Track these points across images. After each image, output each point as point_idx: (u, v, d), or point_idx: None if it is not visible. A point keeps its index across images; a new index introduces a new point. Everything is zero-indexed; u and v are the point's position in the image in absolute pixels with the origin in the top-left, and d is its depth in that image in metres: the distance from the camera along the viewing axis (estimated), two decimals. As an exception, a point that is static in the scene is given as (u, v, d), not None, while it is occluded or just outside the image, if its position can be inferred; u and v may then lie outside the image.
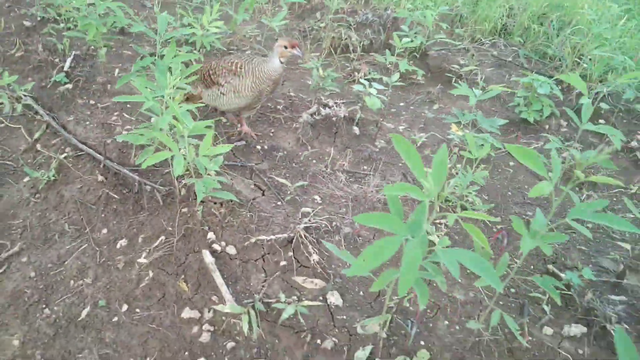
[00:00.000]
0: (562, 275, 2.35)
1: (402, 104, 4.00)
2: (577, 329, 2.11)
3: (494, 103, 4.07)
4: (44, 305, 2.22)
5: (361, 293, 2.25)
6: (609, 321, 2.10)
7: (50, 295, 2.26)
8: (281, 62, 2.77)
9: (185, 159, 2.06)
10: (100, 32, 3.06)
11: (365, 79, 3.60)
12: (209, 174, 2.20)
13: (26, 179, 2.83)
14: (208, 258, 2.22)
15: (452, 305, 2.23)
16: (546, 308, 2.22)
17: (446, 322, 2.16)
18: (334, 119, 3.25)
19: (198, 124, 2.05)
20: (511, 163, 3.36)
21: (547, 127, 3.86)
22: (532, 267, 2.51)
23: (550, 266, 2.46)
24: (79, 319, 2.15)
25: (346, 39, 4.29)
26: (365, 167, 3.10)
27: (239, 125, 3.15)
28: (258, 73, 2.77)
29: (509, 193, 3.05)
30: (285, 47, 2.71)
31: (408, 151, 1.35)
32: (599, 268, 2.47)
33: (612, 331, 2.07)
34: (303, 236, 2.32)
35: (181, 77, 2.15)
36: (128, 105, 3.24)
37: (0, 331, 2.13)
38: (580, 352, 2.06)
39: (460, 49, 4.73)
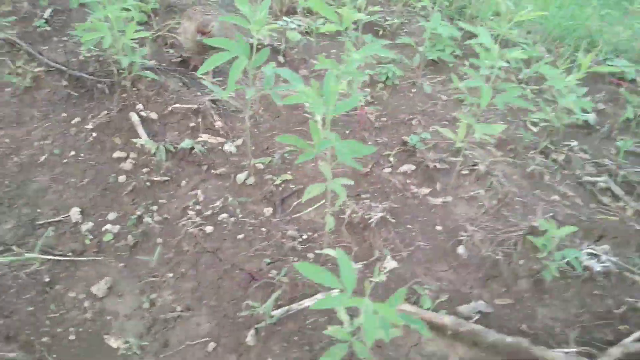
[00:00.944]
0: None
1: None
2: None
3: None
4: (13, 156, 3.02)
5: (253, 147, 3.01)
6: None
7: (18, 150, 3.06)
8: None
9: (115, 41, 2.87)
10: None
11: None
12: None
13: (7, 90, 3.66)
14: (135, 118, 3.01)
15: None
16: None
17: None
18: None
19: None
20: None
21: (451, 65, 4.62)
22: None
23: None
24: (38, 162, 2.94)
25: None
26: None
27: None
28: None
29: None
30: None
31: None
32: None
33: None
34: (210, 107, 3.11)
35: None
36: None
37: (-20, 171, 2.92)
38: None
39: (392, 11, 5.55)
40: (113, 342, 2.07)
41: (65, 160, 2.94)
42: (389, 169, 2.92)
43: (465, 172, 2.90)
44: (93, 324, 2.15)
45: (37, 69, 3.74)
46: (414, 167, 2.90)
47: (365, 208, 2.54)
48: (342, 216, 2.49)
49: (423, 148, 2.97)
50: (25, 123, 3.33)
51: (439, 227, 2.55)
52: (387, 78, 3.94)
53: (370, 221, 2.45)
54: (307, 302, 2.04)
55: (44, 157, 2.99)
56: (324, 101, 1.88)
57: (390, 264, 2.22)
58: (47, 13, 4.46)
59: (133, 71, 3.08)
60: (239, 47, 2.27)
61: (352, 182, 2.11)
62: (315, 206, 2.64)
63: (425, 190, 2.77)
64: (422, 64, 4.12)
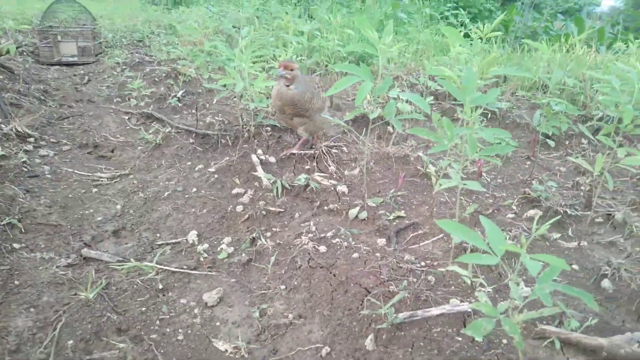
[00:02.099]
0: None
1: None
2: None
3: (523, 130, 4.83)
4: (140, 193, 3.28)
5: (362, 190, 3.03)
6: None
7: (144, 189, 3.32)
8: (286, 86, 2.98)
9: (244, 88, 3.19)
10: (204, 62, 4.53)
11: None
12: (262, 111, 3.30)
13: (139, 147, 4.10)
14: (255, 159, 3.20)
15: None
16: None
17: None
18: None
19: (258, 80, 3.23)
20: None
21: (567, 142, 4.50)
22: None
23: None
24: (162, 197, 3.16)
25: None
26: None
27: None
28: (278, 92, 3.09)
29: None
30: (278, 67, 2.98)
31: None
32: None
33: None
34: (325, 152, 3.24)
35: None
36: (218, 111, 4.54)
37: (110, 203, 3.19)
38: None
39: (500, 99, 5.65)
40: (221, 346, 1.99)
41: (187, 195, 3.13)
42: (513, 215, 2.76)
43: (599, 219, 2.66)
44: (202, 328, 2.10)
45: (167, 130, 4.18)
46: (540, 213, 2.72)
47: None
48: (465, 244, 2.34)
49: (546, 197, 2.81)
50: (153, 170, 3.65)
51: (575, 267, 2.30)
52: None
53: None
54: (434, 310, 1.86)
55: (167, 193, 3.20)
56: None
57: (524, 290, 2.00)
58: (180, 93, 5.08)
59: (258, 118, 3.33)
60: (365, 73, 2.41)
61: (482, 189, 2.01)
62: (433, 239, 2.52)
63: (556, 235, 2.56)
64: (536, 141, 4.05)
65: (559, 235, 2.56)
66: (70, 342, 1.97)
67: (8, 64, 5.67)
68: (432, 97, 4.57)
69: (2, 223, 2.75)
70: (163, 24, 9.97)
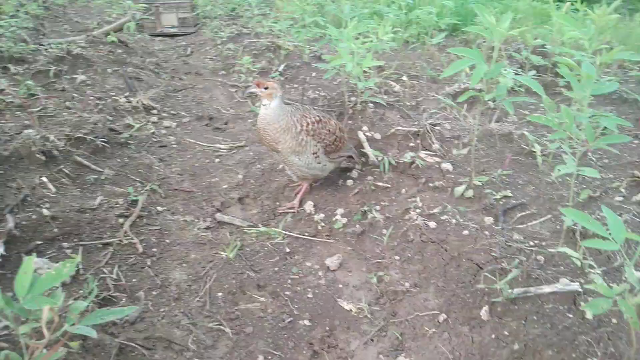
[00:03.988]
0: None
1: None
2: None
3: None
4: (257, 164, 3.63)
5: (467, 168, 3.18)
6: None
7: (260, 160, 3.66)
8: (263, 105, 2.72)
9: (353, 67, 3.39)
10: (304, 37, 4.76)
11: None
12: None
13: (249, 120, 4.45)
14: (361, 136, 3.43)
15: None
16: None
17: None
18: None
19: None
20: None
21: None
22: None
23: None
24: (277, 169, 3.49)
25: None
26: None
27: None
28: None
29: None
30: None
31: None
32: None
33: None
34: (429, 130, 3.40)
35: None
36: (318, 85, 4.79)
37: (232, 172, 3.56)
38: None
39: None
40: (346, 305, 2.29)
41: (300, 168, 3.43)
42: (621, 198, 2.82)
43: None
44: (327, 288, 2.41)
45: (274, 105, 4.49)
46: (651, 196, 2.75)
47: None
48: (573, 227, 2.46)
49: (660, 179, 2.82)
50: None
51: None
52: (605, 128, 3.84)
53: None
54: (546, 288, 2.04)
55: (281, 165, 3.52)
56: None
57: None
58: (281, 67, 5.37)
59: (364, 96, 3.54)
60: (478, 55, 2.53)
61: (598, 175, 2.11)
62: (541, 220, 2.65)
63: (669, 219, 2.60)
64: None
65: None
66: (220, 294, 2.35)
67: (122, 37, 6.20)
68: (534, 71, 4.54)
69: (146, 188, 3.19)
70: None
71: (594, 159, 3.34)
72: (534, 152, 3.25)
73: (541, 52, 4.92)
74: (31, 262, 1.57)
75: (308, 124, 2.81)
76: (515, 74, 4.05)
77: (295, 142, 2.75)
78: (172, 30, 8.31)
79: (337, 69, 3.57)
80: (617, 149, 3.51)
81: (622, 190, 2.87)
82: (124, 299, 2.22)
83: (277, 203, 3.16)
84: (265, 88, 2.67)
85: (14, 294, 1.52)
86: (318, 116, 2.86)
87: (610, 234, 1.53)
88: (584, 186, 2.95)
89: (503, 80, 2.57)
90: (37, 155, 2.90)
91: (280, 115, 2.73)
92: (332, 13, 6.93)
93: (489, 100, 2.62)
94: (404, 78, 4.94)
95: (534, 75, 4.40)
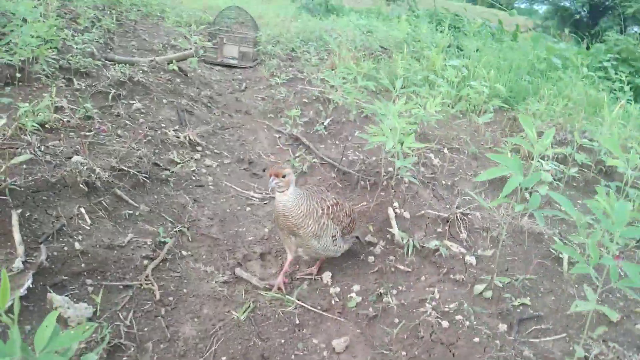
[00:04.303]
0: None
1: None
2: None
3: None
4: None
5: (491, 265, 3.16)
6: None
7: (290, 217, 3.73)
8: (278, 192, 2.72)
9: (393, 146, 3.46)
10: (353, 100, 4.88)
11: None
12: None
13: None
14: (390, 213, 3.46)
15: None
16: None
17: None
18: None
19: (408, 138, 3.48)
20: None
21: None
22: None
23: None
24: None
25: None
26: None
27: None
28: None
29: None
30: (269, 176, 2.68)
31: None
32: None
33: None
34: (459, 218, 3.41)
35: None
36: (359, 145, 4.88)
37: (259, 224, 3.65)
38: None
39: None
40: (343, 394, 2.29)
41: (325, 233, 3.49)
42: (642, 326, 2.73)
43: None
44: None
45: (313, 160, 4.60)
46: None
47: (615, 353, 2.41)
48: (587, 355, 2.40)
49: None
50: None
51: None
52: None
53: (621, 367, 2.31)
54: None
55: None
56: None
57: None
58: (327, 121, 5.50)
59: (400, 173, 3.59)
60: (516, 165, 2.54)
61: (617, 316, 2.08)
62: (555, 337, 2.60)
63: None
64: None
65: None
66: (224, 358, 2.40)
67: (183, 66, 6.50)
68: (576, 169, 4.49)
69: (175, 229, 3.31)
70: (314, 35, 10.55)
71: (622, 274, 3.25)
72: (562, 258, 3.20)
73: (587, 146, 4.86)
74: (54, 317, 1.66)
75: (328, 207, 2.85)
76: (554, 179, 4.03)
77: (317, 225, 2.77)
78: (232, 61, 8.66)
79: (379, 143, 3.64)
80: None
81: (646, 319, 2.78)
82: (132, 349, 2.29)
83: (297, 266, 3.21)
84: (283, 177, 2.66)
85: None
86: (334, 199, 2.93)
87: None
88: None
89: (537, 195, 2.56)
90: (81, 186, 3.06)
91: (300, 200, 2.75)
92: (387, 70, 7.09)
93: (522, 207, 2.61)
94: (445, 151, 4.97)
95: (575, 173, 4.35)
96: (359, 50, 8.54)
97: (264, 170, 4.59)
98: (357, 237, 3.29)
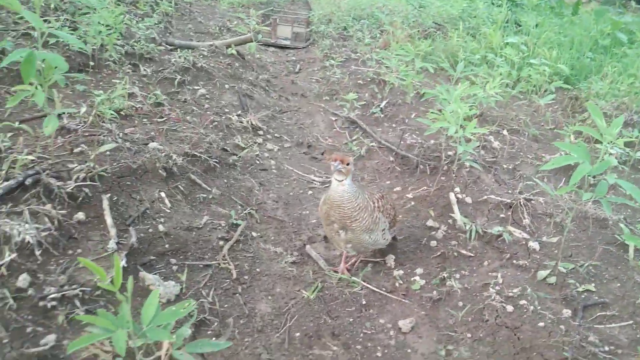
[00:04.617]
0: None
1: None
2: None
3: None
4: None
5: (555, 251, 3.18)
6: None
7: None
8: (337, 180, 2.65)
9: (456, 131, 3.50)
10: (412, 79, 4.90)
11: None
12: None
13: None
14: (452, 197, 3.53)
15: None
16: None
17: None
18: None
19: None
20: None
21: None
22: None
23: None
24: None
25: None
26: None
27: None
28: (327, 195, 2.74)
29: None
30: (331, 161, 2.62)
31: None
32: None
33: None
34: (522, 204, 3.44)
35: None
36: (417, 129, 4.91)
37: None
38: None
39: None
40: (411, 372, 2.43)
41: (386, 217, 3.60)
42: None
43: None
44: (396, 351, 2.56)
45: (371, 143, 4.69)
46: None
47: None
48: (655, 342, 2.43)
49: None
50: (356, 182, 4.19)
51: None
52: None
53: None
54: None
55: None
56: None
57: None
58: (383, 104, 5.56)
59: (462, 159, 3.64)
60: (583, 154, 2.55)
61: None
62: (622, 324, 2.63)
63: None
64: None
65: None
66: (298, 334, 2.58)
67: (241, 50, 6.67)
68: (641, 152, 4.38)
69: (245, 212, 3.50)
70: (365, 12, 10.45)
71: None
72: (627, 245, 3.19)
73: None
74: (156, 295, 1.87)
75: (378, 200, 2.88)
76: (619, 162, 3.95)
77: (370, 219, 2.75)
78: (285, 42, 8.78)
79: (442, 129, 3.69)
80: None
81: None
82: (215, 324, 2.51)
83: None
84: (347, 164, 2.60)
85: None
86: (379, 192, 3.01)
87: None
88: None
89: (608, 178, 2.57)
90: (160, 171, 3.29)
91: (357, 192, 2.71)
92: (442, 48, 7.01)
93: (590, 195, 2.63)
94: (505, 132, 4.94)
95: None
96: (412, 27, 8.46)
97: (322, 154, 4.72)
98: (394, 238, 3.29)
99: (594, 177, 3.66)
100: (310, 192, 4.05)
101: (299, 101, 6.03)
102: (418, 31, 8.22)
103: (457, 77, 4.21)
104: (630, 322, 2.64)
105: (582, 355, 2.37)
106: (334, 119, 5.49)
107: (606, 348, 2.46)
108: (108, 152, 3.29)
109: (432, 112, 3.69)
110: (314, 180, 4.21)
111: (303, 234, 3.47)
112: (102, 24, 4.75)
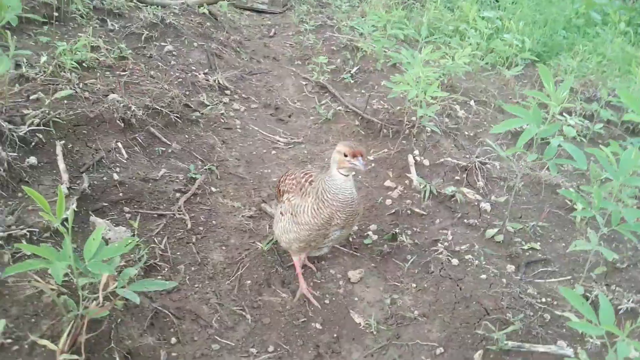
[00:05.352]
0: None
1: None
2: None
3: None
4: (308, 163, 3.88)
5: (505, 212, 3.30)
6: None
7: (312, 160, 3.92)
8: (343, 175, 2.26)
9: (417, 95, 3.56)
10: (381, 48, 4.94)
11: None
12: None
13: (312, 117, 4.71)
14: (410, 159, 3.61)
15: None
16: None
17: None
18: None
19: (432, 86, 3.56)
20: None
21: None
22: None
23: None
24: (326, 172, 3.73)
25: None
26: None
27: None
28: (321, 192, 2.26)
29: None
30: (345, 156, 2.21)
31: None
32: None
33: None
34: (477, 167, 3.54)
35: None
36: (385, 94, 4.97)
37: (283, 166, 3.85)
38: None
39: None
40: (357, 318, 2.53)
41: (346, 177, 3.67)
42: (650, 274, 2.88)
43: None
44: (344, 299, 2.66)
45: (338, 108, 4.73)
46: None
47: (616, 295, 2.58)
48: (587, 294, 2.57)
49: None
50: (321, 143, 4.25)
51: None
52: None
53: (619, 307, 2.48)
54: (540, 347, 2.20)
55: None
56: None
57: (635, 353, 2.23)
58: (354, 70, 5.58)
59: (422, 122, 3.71)
60: (533, 117, 2.65)
61: (616, 256, 2.23)
62: (560, 279, 2.77)
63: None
64: None
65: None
66: (249, 282, 2.65)
67: (213, 10, 6.59)
68: (602, 125, 4.53)
69: (205, 167, 3.53)
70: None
71: None
72: (576, 209, 3.32)
73: (616, 104, 4.86)
74: (100, 232, 1.91)
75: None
76: (578, 134, 4.08)
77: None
78: (261, 6, 8.67)
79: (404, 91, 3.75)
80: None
81: (653, 269, 2.92)
82: (166, 269, 2.56)
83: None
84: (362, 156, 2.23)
85: (80, 252, 1.87)
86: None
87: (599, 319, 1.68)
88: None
89: (553, 141, 2.67)
90: (118, 122, 3.29)
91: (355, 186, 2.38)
92: (420, 19, 7.04)
93: (535, 157, 2.74)
94: (472, 103, 5.02)
95: (600, 129, 4.39)
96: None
97: (289, 117, 4.74)
98: None
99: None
100: (273, 151, 4.08)
101: (270, 64, 6.00)
102: (397, 2, 8.20)
103: (423, 43, 4.25)
104: (569, 277, 2.78)
105: (519, 305, 2.50)
106: (304, 83, 5.50)
107: (543, 299, 2.59)
108: (65, 101, 3.27)
109: (394, 77, 3.74)
110: (278, 141, 4.25)
111: (263, 191, 3.52)
112: (69, -25, 4.64)
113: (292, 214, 2.36)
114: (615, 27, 6.89)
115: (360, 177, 3.60)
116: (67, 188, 2.66)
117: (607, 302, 1.71)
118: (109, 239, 2.56)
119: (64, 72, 3.67)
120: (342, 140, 4.19)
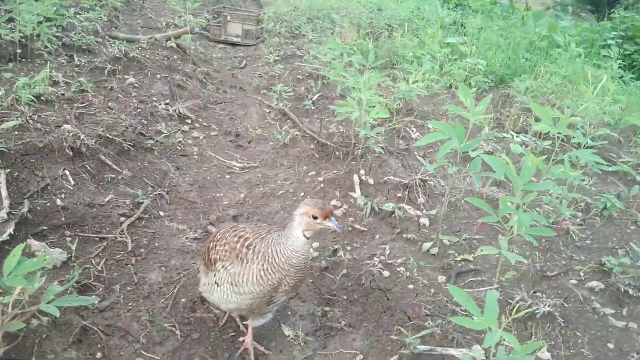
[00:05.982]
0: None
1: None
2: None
3: None
4: (261, 187, 4.03)
5: (444, 227, 3.43)
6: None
7: (265, 183, 4.06)
8: (306, 238, 2.10)
9: (360, 116, 3.73)
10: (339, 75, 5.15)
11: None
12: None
13: (271, 143, 4.88)
14: (355, 179, 3.76)
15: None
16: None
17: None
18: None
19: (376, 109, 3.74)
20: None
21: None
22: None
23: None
24: (276, 194, 3.88)
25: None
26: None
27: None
28: (271, 256, 2.09)
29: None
30: (315, 218, 2.05)
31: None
32: None
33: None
34: (418, 184, 3.68)
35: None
36: (343, 120, 5.15)
37: (236, 190, 3.98)
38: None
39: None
40: (286, 331, 2.62)
41: (294, 198, 3.81)
42: (576, 281, 2.99)
43: (665, 307, 2.78)
44: (277, 312, 2.75)
45: (296, 133, 4.90)
46: (602, 286, 2.91)
47: (535, 300, 2.69)
48: (509, 300, 2.68)
49: (619, 271, 2.97)
50: (276, 167, 4.41)
51: (610, 345, 2.52)
52: (605, 208, 3.94)
53: (536, 312, 2.59)
54: (452, 351, 2.30)
55: (281, 192, 3.92)
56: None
57: (545, 355, 2.33)
58: (315, 97, 5.79)
59: (367, 144, 3.88)
60: (455, 131, 2.81)
61: (522, 259, 2.36)
62: (488, 288, 2.88)
63: (609, 311, 2.76)
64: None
65: (612, 311, 2.76)
66: (183, 300, 2.75)
67: (183, 44, 6.84)
68: (549, 142, 4.69)
69: (155, 193, 3.66)
70: (322, 14, 10.71)
71: (576, 238, 3.49)
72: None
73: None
74: (21, 249, 2.03)
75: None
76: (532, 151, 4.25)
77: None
78: (235, 39, 8.96)
79: (349, 113, 3.93)
80: (610, 231, 3.65)
81: (581, 274, 3.04)
82: (100, 289, 2.66)
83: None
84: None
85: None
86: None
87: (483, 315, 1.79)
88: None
89: (475, 153, 2.82)
90: (67, 151, 3.43)
91: None
92: (386, 47, 7.32)
93: (456, 169, 2.88)
94: (430, 125, 5.20)
95: (550, 144, 4.56)
96: (364, 28, 8.77)
97: (249, 143, 4.91)
98: None
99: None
100: (228, 176, 4.23)
101: (236, 94, 6.22)
102: (367, 32, 8.51)
103: (368, 69, 4.45)
104: (496, 286, 2.89)
105: (442, 312, 2.61)
106: (267, 110, 5.69)
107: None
108: (16, 132, 3.43)
109: (338, 101, 3.93)
110: (234, 166, 4.40)
111: (212, 214, 3.65)
112: (34, 14, 4.87)
113: (231, 283, 2.17)
114: (567, 48, 7.19)
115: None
116: (7, 213, 2.78)
117: (493, 300, 1.83)
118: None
119: (20, 105, 3.84)
120: (299, 162, 4.37)
